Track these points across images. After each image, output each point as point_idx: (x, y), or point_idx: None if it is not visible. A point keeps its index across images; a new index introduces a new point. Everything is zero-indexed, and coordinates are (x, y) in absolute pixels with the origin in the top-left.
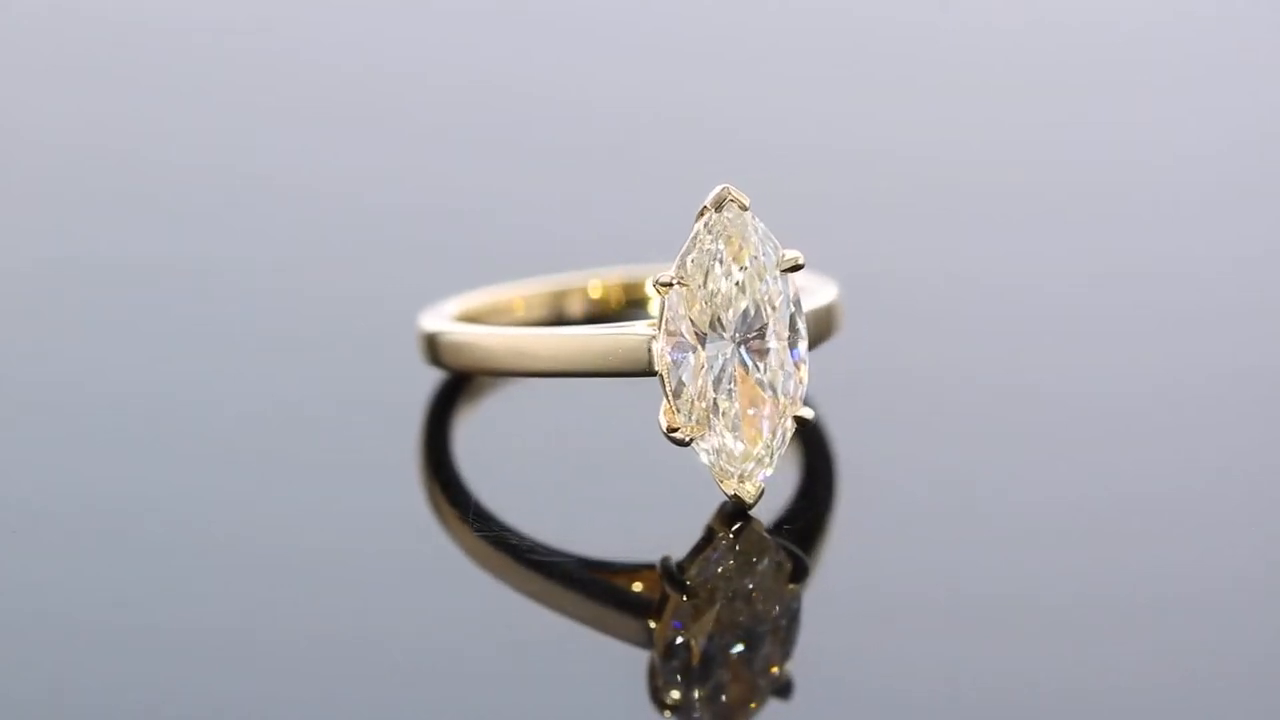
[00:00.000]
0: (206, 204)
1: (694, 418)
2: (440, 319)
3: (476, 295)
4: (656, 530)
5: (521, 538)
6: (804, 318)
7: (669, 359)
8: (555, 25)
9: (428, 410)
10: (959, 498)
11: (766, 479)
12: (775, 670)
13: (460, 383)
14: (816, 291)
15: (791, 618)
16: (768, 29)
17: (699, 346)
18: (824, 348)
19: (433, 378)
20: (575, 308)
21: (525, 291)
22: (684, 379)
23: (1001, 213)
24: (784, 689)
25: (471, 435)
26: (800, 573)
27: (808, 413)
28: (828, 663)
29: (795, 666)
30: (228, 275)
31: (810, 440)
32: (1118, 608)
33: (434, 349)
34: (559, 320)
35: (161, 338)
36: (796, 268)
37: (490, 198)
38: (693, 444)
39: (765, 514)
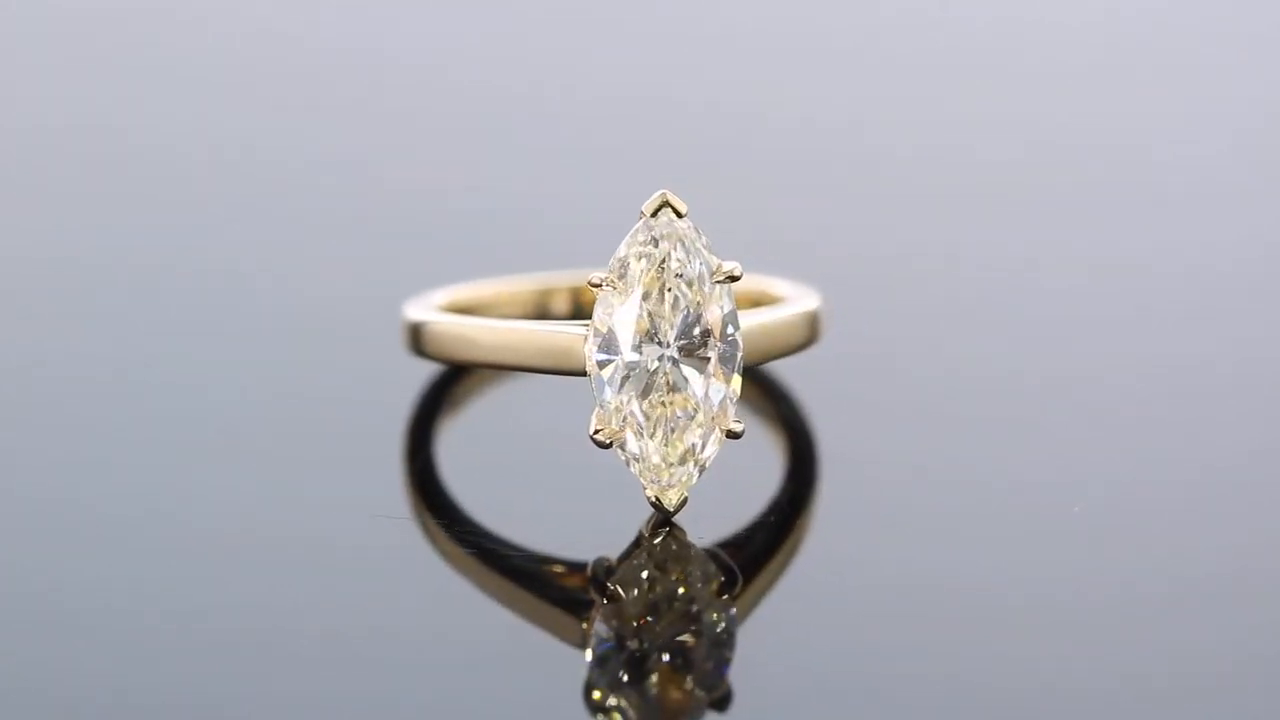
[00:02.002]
0: (200, 200)
1: (618, 422)
2: (421, 307)
3: (464, 288)
4: (617, 530)
5: (478, 531)
6: (739, 329)
7: (595, 360)
8: (552, 21)
9: (414, 402)
10: (948, 498)
11: (691, 488)
12: (719, 681)
13: (452, 377)
14: (800, 299)
15: (727, 628)
16: (767, 29)
17: (625, 351)
18: (813, 351)
19: (422, 372)
20: (560, 306)
21: (512, 287)
22: (610, 382)
23: (998, 210)
24: (722, 700)
25: (458, 430)
26: (731, 583)
27: (738, 426)
28: (780, 673)
29: (739, 678)
30: (222, 270)
31: (796, 443)
32: (1117, 607)
33: (408, 334)
34: (542, 318)
35: (151, 332)
36: (733, 278)
37: (488, 197)
38: (614, 447)
39: (748, 518)
